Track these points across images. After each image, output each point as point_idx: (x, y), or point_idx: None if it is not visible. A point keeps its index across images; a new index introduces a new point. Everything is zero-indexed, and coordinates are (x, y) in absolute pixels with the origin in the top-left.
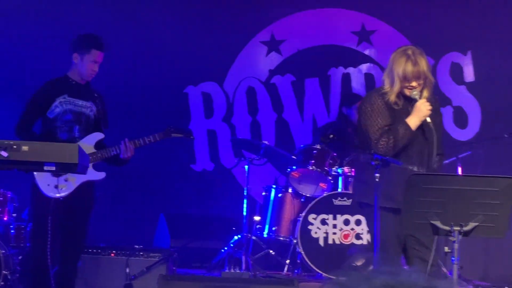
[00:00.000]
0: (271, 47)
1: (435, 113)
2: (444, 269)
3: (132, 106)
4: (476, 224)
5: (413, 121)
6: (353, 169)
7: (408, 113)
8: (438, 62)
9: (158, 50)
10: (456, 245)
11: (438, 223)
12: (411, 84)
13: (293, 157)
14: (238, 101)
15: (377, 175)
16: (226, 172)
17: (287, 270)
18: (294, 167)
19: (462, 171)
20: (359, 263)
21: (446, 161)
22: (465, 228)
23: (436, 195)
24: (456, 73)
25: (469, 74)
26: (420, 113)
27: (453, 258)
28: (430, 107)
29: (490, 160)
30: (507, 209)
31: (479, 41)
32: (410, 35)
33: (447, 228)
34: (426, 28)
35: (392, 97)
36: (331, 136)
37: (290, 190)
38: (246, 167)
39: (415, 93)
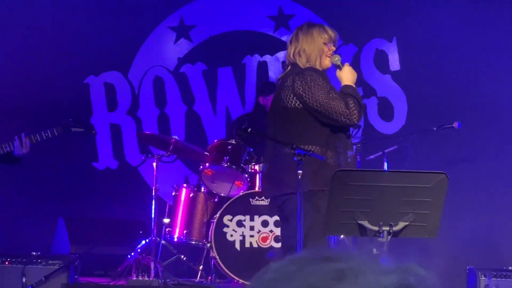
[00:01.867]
0: (180, 33)
1: None
2: None
3: (27, 98)
4: (406, 223)
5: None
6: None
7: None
8: (362, 50)
9: (54, 37)
10: (385, 247)
11: (365, 223)
12: (332, 49)
13: (206, 153)
14: (144, 93)
15: (300, 171)
16: (132, 171)
17: (200, 277)
18: (206, 164)
19: (389, 167)
20: None
21: (372, 156)
22: (395, 228)
23: (362, 192)
24: (381, 61)
25: (394, 62)
26: (353, 76)
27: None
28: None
29: (418, 155)
30: (438, 207)
31: (404, 27)
32: (331, 20)
33: (375, 228)
34: (348, 13)
35: (322, 71)
36: (248, 130)
37: (202, 190)
38: (154, 164)
39: (337, 59)
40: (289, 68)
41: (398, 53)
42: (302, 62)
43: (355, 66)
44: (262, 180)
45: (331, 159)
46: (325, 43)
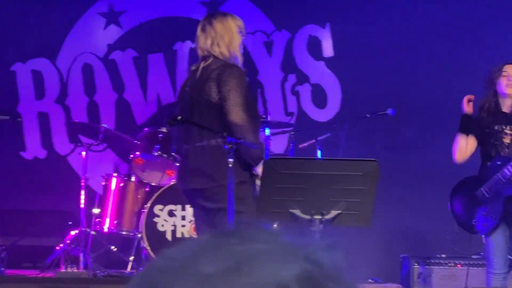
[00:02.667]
0: (110, 19)
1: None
2: None
3: None
4: (339, 212)
5: None
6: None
7: None
8: (295, 36)
9: None
10: (317, 236)
11: (297, 212)
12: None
13: (136, 142)
14: (73, 80)
15: (231, 160)
16: (61, 160)
17: (131, 268)
18: (137, 153)
19: (322, 154)
20: None
21: (305, 144)
22: (327, 217)
23: (294, 181)
24: (315, 47)
25: (328, 49)
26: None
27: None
28: None
29: (352, 142)
30: (370, 195)
31: (338, 13)
32: (264, 5)
33: (307, 217)
34: None
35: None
36: (179, 118)
37: (133, 179)
38: (83, 153)
39: None
40: (211, 60)
41: (332, 39)
42: (223, 53)
43: (288, 52)
44: (181, 170)
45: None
46: (239, 32)
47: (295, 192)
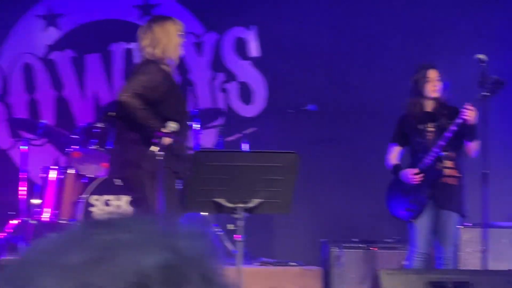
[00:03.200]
0: (49, 21)
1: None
2: (230, 246)
3: None
4: (261, 200)
5: None
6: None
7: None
8: (223, 37)
9: None
10: (241, 223)
11: (222, 201)
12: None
13: (74, 136)
14: (14, 79)
15: (157, 152)
16: (2, 154)
17: None
18: (75, 147)
19: (249, 147)
20: None
21: (232, 138)
22: (250, 205)
23: (220, 172)
24: (241, 48)
25: (253, 49)
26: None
27: (238, 236)
28: None
29: (276, 136)
30: (290, 184)
31: (263, 16)
32: (194, 8)
33: (231, 205)
34: (209, 3)
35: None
36: (112, 114)
37: (71, 171)
38: (24, 148)
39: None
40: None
41: (257, 41)
42: (157, 53)
43: (217, 52)
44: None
45: (182, 142)
46: (179, 34)
47: (220, 182)
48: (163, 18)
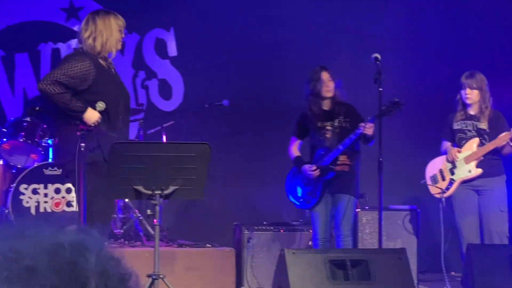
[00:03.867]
0: None
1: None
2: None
3: None
4: (176, 187)
5: None
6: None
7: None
8: (144, 38)
9: None
10: (157, 208)
11: (141, 188)
12: (123, 35)
13: (4, 129)
14: None
15: (83, 144)
16: None
17: None
18: (4, 139)
19: (166, 139)
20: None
21: (152, 130)
22: (166, 192)
23: (138, 161)
24: (161, 48)
25: (172, 49)
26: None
27: (156, 220)
28: None
29: (192, 129)
30: (203, 172)
31: (181, 18)
32: (115, 11)
33: (149, 192)
34: (131, 5)
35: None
36: (37, 108)
37: (1, 162)
38: None
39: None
40: (76, 50)
41: (176, 41)
42: (96, 46)
43: (138, 52)
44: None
45: (112, 134)
46: (120, 30)
47: (138, 171)
48: (107, 12)
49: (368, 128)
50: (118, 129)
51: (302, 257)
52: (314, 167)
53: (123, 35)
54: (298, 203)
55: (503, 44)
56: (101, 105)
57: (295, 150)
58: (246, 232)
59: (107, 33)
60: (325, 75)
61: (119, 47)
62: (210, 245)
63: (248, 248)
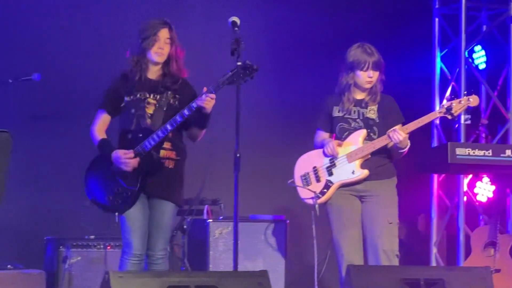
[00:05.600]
0: None
1: None
2: None
3: None
4: None
5: None
6: None
7: None
8: None
9: None
10: None
11: None
12: None
13: None
14: None
15: None
16: None
17: None
18: None
19: None
20: None
21: None
22: None
23: None
24: None
25: None
26: None
27: None
28: None
29: None
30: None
31: None
32: None
33: None
34: None
35: None
36: None
37: None
38: None
39: None
40: None
41: None
42: None
43: None
44: None
45: None
46: None
47: None
48: None
49: (209, 101)
50: None
51: (132, 283)
52: (131, 154)
53: None
54: (105, 205)
55: None
56: None
57: (102, 130)
58: (62, 249)
59: None
60: (164, 33)
61: None
62: (12, 267)
63: (64, 271)
